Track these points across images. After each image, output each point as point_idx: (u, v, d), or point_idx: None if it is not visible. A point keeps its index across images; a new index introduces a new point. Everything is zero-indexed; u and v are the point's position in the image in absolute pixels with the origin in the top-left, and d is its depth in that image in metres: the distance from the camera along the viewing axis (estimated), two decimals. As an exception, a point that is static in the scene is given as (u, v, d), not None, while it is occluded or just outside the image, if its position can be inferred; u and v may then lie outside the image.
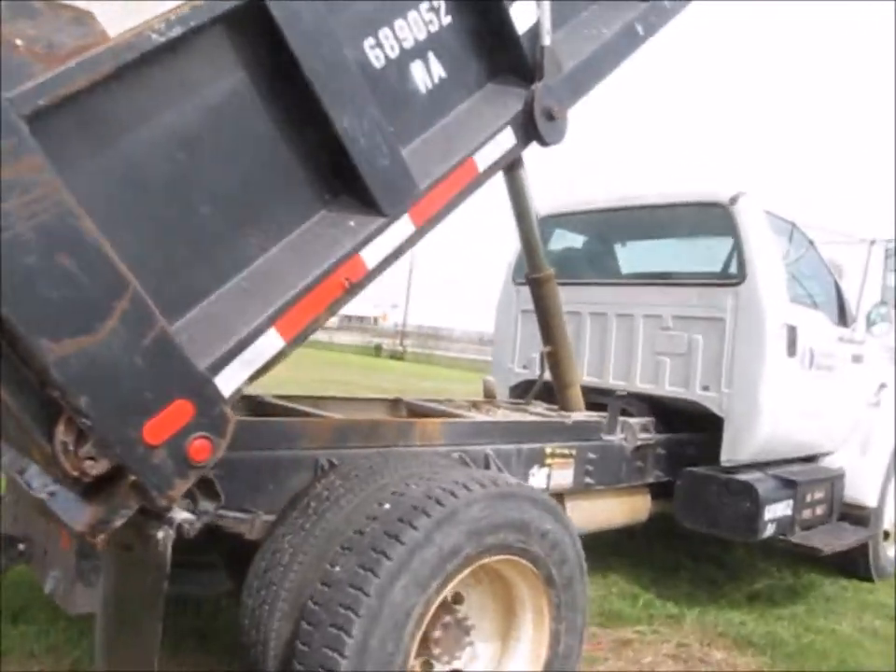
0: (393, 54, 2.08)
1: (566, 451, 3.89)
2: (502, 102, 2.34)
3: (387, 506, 2.33)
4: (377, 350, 36.88)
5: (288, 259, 1.89)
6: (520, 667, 2.68)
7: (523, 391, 5.23)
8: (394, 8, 2.09)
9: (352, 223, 1.98)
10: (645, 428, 4.39)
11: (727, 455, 4.35)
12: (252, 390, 2.49)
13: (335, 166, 1.94)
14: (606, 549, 5.17)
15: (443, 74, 2.22)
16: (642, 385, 4.77)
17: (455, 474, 2.50)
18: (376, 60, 2.05)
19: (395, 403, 4.32)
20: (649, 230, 5.17)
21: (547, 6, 2.38)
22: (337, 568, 2.21)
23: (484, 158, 2.26)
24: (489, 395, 4.89)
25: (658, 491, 4.61)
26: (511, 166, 4.11)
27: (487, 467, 3.45)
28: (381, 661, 2.13)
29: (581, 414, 4.35)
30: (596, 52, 2.62)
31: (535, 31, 2.36)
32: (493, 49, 2.33)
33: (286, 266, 1.88)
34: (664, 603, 4.43)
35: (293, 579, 2.35)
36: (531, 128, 2.36)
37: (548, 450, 3.79)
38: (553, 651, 2.67)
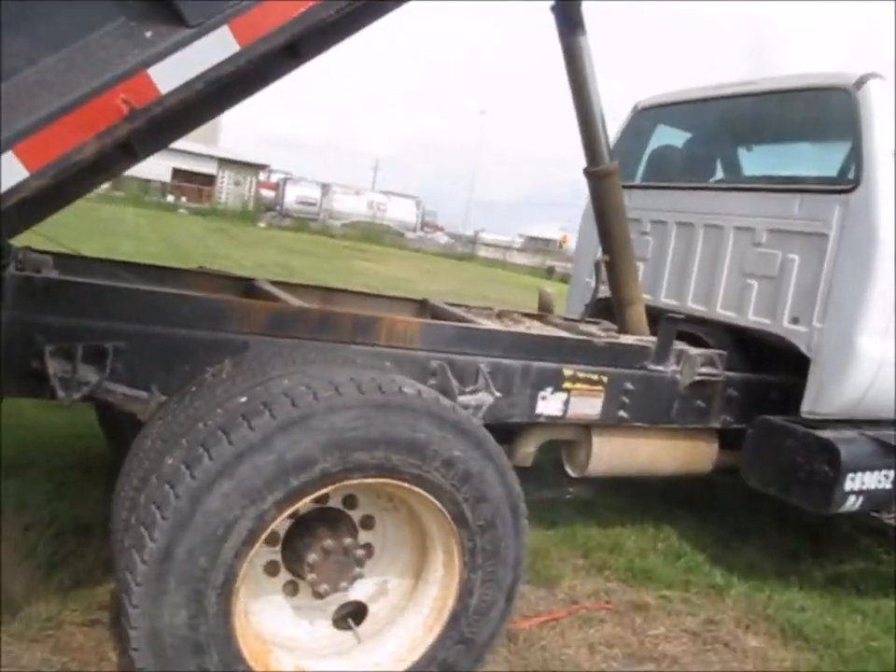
0: None
1: (592, 376, 3.28)
2: None
3: (243, 399, 1.96)
4: (549, 272, 36.08)
5: (61, 73, 1.51)
6: (422, 615, 2.26)
7: (601, 309, 4.58)
8: None
9: (148, 34, 1.55)
10: (709, 362, 3.61)
11: (809, 406, 3.50)
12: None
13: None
14: (670, 498, 4.51)
15: None
16: (723, 312, 3.96)
17: (340, 373, 2.05)
18: None
19: (421, 305, 3.90)
20: (755, 125, 4.18)
21: None
22: (168, 461, 1.89)
23: None
24: (545, 308, 4.28)
25: (732, 440, 3.85)
26: (567, 29, 3.41)
27: (475, 381, 2.96)
28: (188, 574, 1.81)
29: (631, 338, 3.68)
30: None
31: None
32: None
33: (55, 81, 1.50)
34: (711, 569, 3.75)
35: (146, 467, 2.07)
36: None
37: (567, 371, 3.20)
38: (461, 604, 2.22)
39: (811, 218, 3.51)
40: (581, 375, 3.25)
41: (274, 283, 3.56)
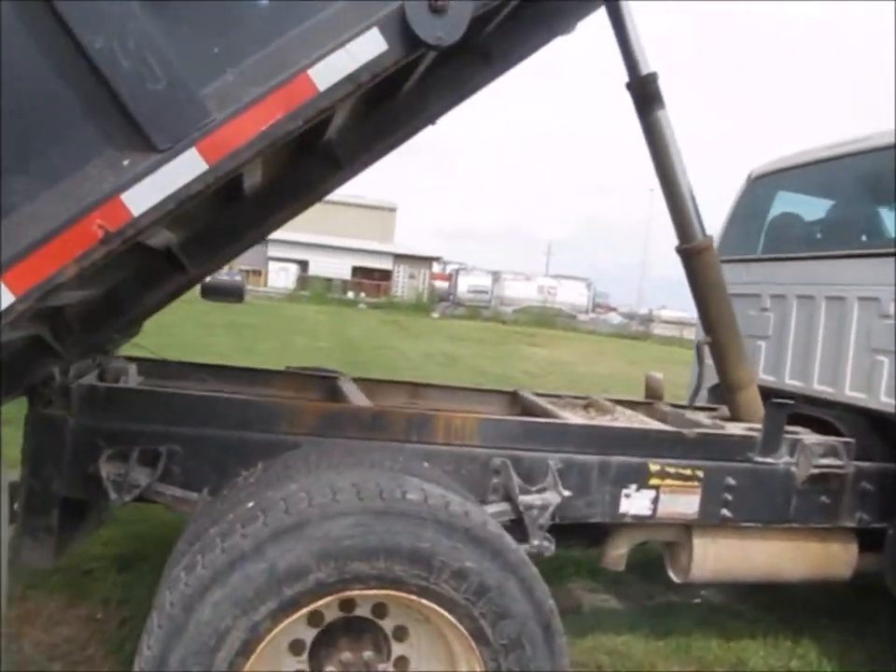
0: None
1: (685, 471, 2.97)
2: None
3: (250, 504, 1.96)
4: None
5: (53, 205, 1.67)
6: (449, 740, 2.07)
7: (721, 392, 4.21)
8: None
9: (126, 162, 1.67)
10: (831, 451, 3.15)
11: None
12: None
13: (105, 97, 1.66)
14: (814, 606, 3.91)
15: None
16: (852, 394, 3.47)
17: (346, 477, 1.99)
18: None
19: (512, 397, 3.78)
20: (877, 182, 3.71)
21: None
22: (176, 568, 1.92)
23: (327, 71, 1.72)
24: (653, 394, 4.00)
25: (875, 541, 3.30)
26: (644, 107, 3.31)
27: (543, 478, 2.78)
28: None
29: (738, 427, 3.31)
30: None
31: None
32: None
33: (46, 213, 1.66)
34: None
35: (172, 570, 2.12)
36: (409, 24, 1.74)
37: (653, 466, 2.93)
38: (487, 731, 2.01)
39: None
40: (670, 470, 2.95)
41: (358, 380, 3.63)
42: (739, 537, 3.14)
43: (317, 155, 2.77)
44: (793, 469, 3.11)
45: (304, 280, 40.49)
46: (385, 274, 43.82)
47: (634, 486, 2.92)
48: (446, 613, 1.95)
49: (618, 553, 3.10)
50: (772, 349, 3.96)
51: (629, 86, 3.37)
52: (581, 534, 3.12)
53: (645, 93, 3.32)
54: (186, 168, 1.66)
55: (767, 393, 3.77)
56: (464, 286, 42.95)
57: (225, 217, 2.68)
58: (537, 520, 2.69)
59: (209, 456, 2.55)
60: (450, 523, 1.95)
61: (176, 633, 1.78)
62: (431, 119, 3.77)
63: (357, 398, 3.10)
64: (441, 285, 44.06)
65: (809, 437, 3.20)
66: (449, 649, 2.15)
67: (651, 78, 3.31)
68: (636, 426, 3.16)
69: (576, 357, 20.04)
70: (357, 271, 42.90)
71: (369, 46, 1.73)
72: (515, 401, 3.72)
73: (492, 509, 2.68)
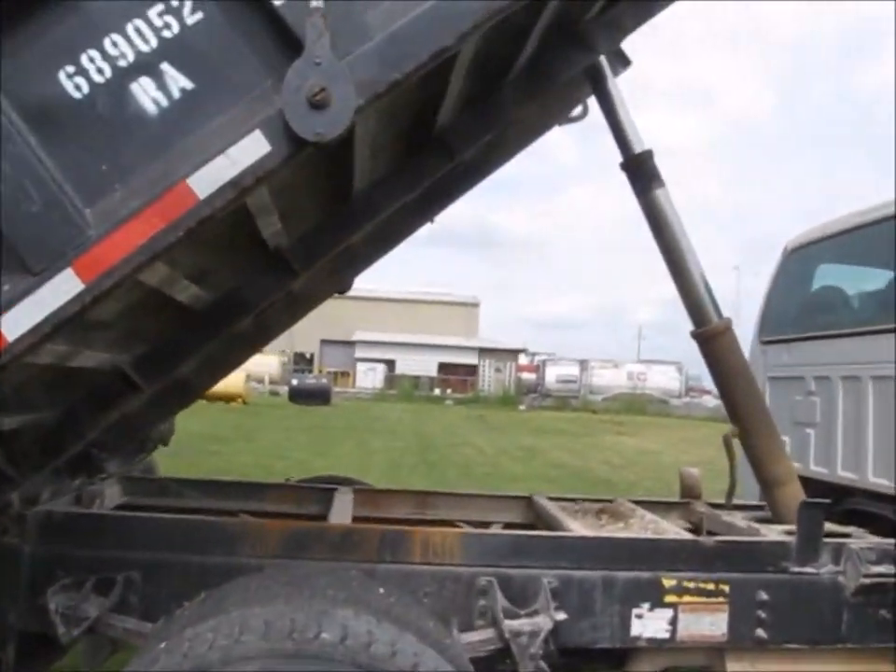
0: (101, 78, 1.70)
1: (707, 585, 2.60)
2: (258, 97, 1.71)
3: (162, 645, 1.79)
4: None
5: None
6: None
7: None
8: (105, 25, 1.71)
9: (6, 287, 1.63)
10: (885, 557, 2.70)
11: None
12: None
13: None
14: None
15: (189, 85, 1.73)
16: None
17: (262, 613, 1.79)
18: (74, 90, 1.69)
19: (527, 502, 3.50)
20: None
21: None
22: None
23: (208, 178, 1.66)
24: (689, 492, 3.62)
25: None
26: (642, 186, 3.16)
27: (536, 599, 2.48)
28: None
29: (775, 530, 2.91)
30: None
31: None
32: (254, 34, 1.74)
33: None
34: None
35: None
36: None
37: (668, 582, 2.58)
38: None
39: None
40: (689, 586, 2.59)
41: (360, 490, 3.46)
42: (783, 661, 2.70)
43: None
44: (841, 578, 2.68)
45: (392, 379, 41.04)
46: (471, 369, 43.89)
47: (647, 605, 2.57)
48: None
49: (639, 682, 2.71)
50: (821, 438, 3.54)
51: (624, 165, 3.23)
52: (597, 657, 2.76)
53: (641, 172, 3.17)
54: (61, 289, 1.60)
55: (821, 488, 3.37)
56: (552, 376, 42.40)
57: (175, 332, 2.65)
58: (527, 648, 2.38)
59: (168, 584, 2.40)
60: (370, 666, 1.71)
61: None
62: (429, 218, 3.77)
63: (341, 513, 2.92)
64: (529, 376, 43.66)
65: (858, 540, 2.77)
66: None
67: (647, 156, 3.17)
68: (644, 535, 2.82)
69: (663, 445, 19.12)
70: (443, 367, 43.22)
71: (251, 149, 1.66)
72: (530, 507, 3.43)
73: (475, 636, 2.42)
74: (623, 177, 3.25)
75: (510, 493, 3.71)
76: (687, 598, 2.59)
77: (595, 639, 2.55)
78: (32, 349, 1.63)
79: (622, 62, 3.77)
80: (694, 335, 3.21)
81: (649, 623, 2.57)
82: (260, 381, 38.39)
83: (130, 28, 1.70)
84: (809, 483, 3.60)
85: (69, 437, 2.48)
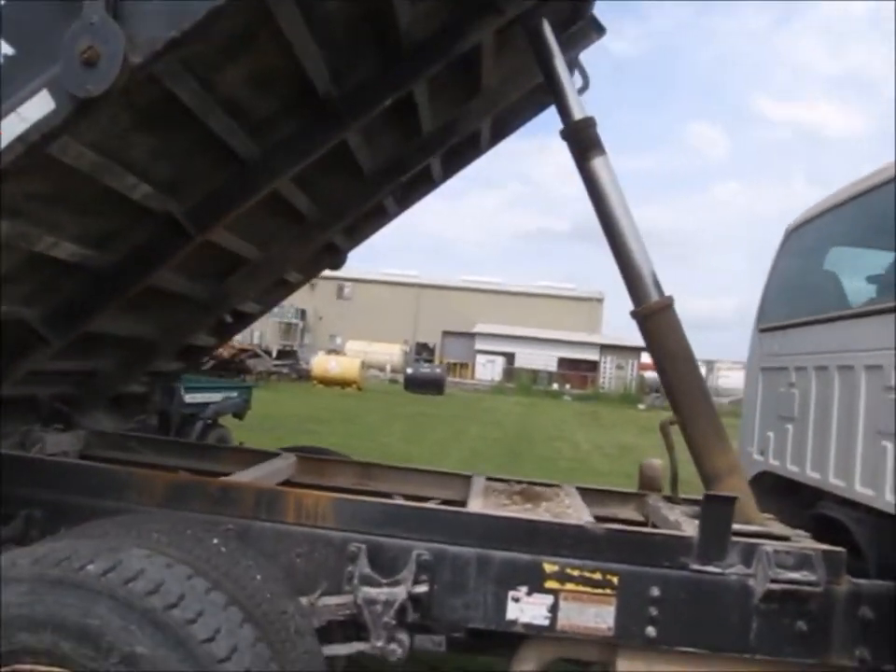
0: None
1: (593, 575, 2.47)
2: (48, 58, 1.79)
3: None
4: None
5: None
6: None
7: (769, 488, 3.51)
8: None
9: None
10: (803, 563, 2.43)
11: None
12: None
13: None
14: None
15: (12, 50, 1.83)
16: (862, 491, 2.69)
17: (66, 544, 1.90)
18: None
19: (466, 481, 3.43)
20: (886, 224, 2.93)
21: None
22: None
23: (2, 135, 1.73)
24: (648, 485, 3.41)
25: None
26: (581, 153, 3.00)
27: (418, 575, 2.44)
28: None
29: (690, 524, 2.70)
30: None
31: None
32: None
33: None
34: None
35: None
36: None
37: (549, 567, 2.47)
38: None
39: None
40: (573, 573, 2.46)
41: (307, 458, 3.54)
42: (683, 666, 2.50)
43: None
44: (751, 582, 2.45)
45: (510, 372, 41.00)
46: (592, 365, 43.00)
47: (525, 589, 2.47)
48: (117, 704, 1.74)
49: (526, 669, 2.60)
50: (797, 433, 3.23)
51: (563, 133, 3.08)
52: (479, 642, 2.69)
53: (581, 140, 3.01)
54: None
55: (794, 486, 3.10)
56: (678, 376, 40.60)
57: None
58: (380, 617, 2.37)
59: (65, 522, 2.57)
60: (127, 601, 1.77)
61: None
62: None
63: (266, 475, 3.02)
64: (652, 375, 42.11)
65: (775, 543, 2.51)
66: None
67: (587, 123, 3.00)
68: (524, 516, 2.69)
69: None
70: (563, 362, 42.65)
71: (38, 107, 1.76)
72: (467, 485, 3.36)
73: (333, 601, 2.43)
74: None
75: (451, 470, 3.64)
76: (570, 586, 2.46)
77: (468, 618, 2.49)
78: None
79: (596, 28, 3.62)
80: (633, 314, 3.02)
81: (526, 608, 2.47)
82: (382, 369, 39.58)
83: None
84: (790, 484, 3.32)
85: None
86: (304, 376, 30.47)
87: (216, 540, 2.24)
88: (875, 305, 2.77)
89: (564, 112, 3.03)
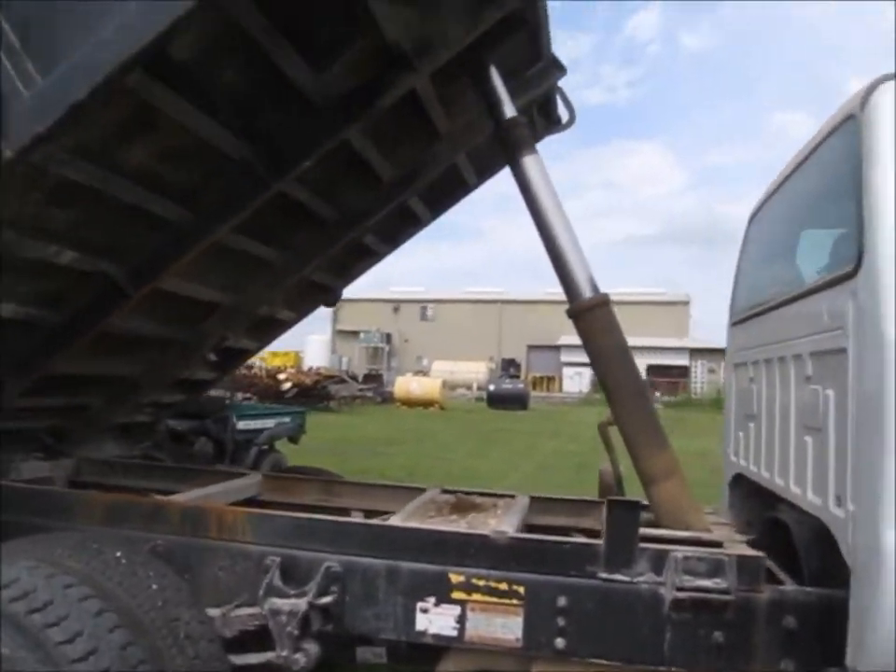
0: None
1: (499, 585, 2.45)
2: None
3: None
4: None
5: None
6: None
7: (744, 491, 3.37)
8: None
9: None
10: (714, 569, 2.31)
11: (851, 655, 1.93)
12: None
13: None
14: None
15: None
16: (794, 490, 2.53)
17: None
18: None
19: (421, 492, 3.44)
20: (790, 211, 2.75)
21: None
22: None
23: None
24: (606, 492, 3.32)
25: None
26: (511, 151, 3.00)
27: (326, 586, 2.49)
28: None
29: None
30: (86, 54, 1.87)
31: None
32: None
33: None
34: None
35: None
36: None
37: (455, 577, 2.47)
38: None
39: (824, 328, 2.15)
40: (478, 583, 2.46)
41: (274, 477, 3.66)
42: (598, 677, 2.42)
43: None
44: (662, 590, 2.36)
45: (597, 383, 40.18)
46: (683, 371, 41.57)
47: (432, 600, 2.47)
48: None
49: (442, 681, 2.59)
50: (755, 431, 3.08)
51: (494, 132, 3.08)
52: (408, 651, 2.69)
53: (510, 139, 3.01)
54: None
55: (760, 489, 2.98)
56: (778, 379, 38.71)
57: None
58: (284, 627, 2.43)
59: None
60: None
61: None
62: None
63: (217, 492, 3.16)
64: (749, 380, 40.35)
65: (688, 549, 2.40)
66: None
67: (515, 122, 3.00)
68: (430, 527, 2.68)
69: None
70: (651, 369, 41.40)
71: None
72: (434, 496, 3.37)
73: (244, 612, 2.51)
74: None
75: (412, 485, 3.65)
76: (477, 597, 2.46)
77: (379, 629, 2.52)
78: None
79: (558, 67, 3.59)
80: (567, 312, 2.97)
81: (434, 619, 2.48)
82: (469, 387, 39.65)
83: None
84: (758, 487, 3.17)
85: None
86: (388, 399, 30.94)
87: (118, 553, 2.38)
88: (798, 290, 2.61)
89: (496, 111, 3.01)
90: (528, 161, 2.97)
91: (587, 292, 2.87)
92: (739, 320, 3.45)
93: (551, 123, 4.14)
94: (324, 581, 2.49)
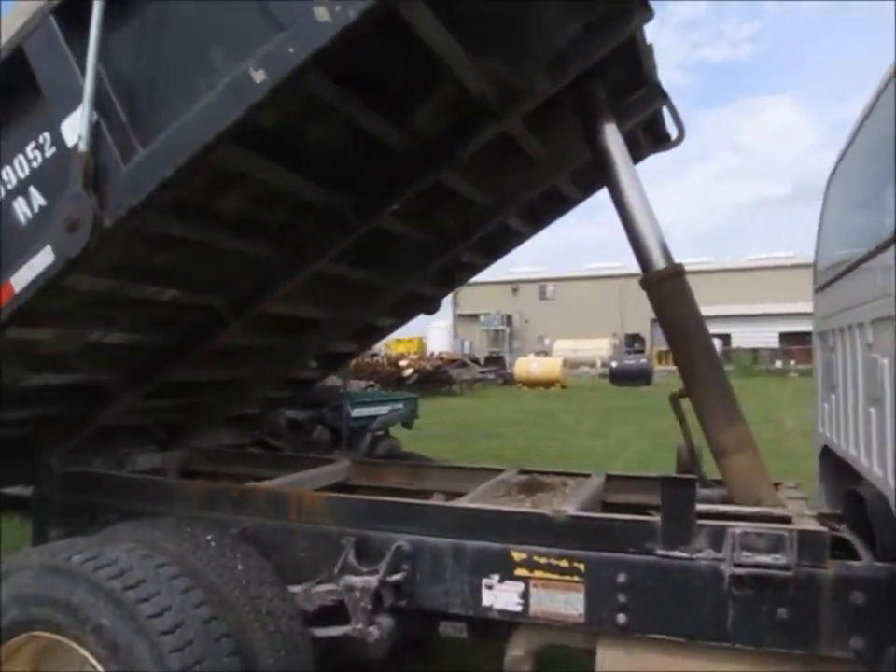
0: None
1: (560, 562, 2.52)
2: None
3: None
4: None
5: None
6: None
7: (832, 465, 3.27)
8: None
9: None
10: (775, 545, 2.27)
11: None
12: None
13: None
14: None
15: (43, 202, 2.28)
16: (864, 461, 2.42)
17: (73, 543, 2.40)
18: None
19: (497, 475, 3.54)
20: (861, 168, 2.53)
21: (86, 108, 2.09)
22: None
23: (22, 280, 2.26)
24: (684, 469, 3.27)
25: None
26: (587, 120, 3.01)
27: (397, 564, 2.66)
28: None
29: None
30: (178, 130, 2.05)
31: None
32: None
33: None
34: None
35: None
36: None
37: (517, 555, 2.57)
38: None
39: (883, 293, 2.04)
40: (540, 561, 2.54)
41: (359, 462, 3.86)
42: (668, 654, 2.44)
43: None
44: (722, 567, 2.34)
45: (728, 354, 38.49)
46: (822, 338, 38.89)
47: (497, 577, 2.58)
48: (92, 660, 2.18)
49: (514, 654, 2.68)
50: (837, 403, 2.95)
51: (567, 90, 3.03)
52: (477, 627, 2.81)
53: (586, 106, 3.01)
54: None
55: (840, 461, 2.89)
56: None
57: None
58: (358, 602, 2.61)
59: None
60: (96, 583, 2.20)
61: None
62: None
63: (305, 479, 3.42)
64: None
65: (748, 524, 2.37)
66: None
67: (594, 89, 2.99)
68: (491, 506, 2.76)
69: None
70: (785, 337, 39.12)
71: (43, 259, 2.23)
72: (511, 477, 3.46)
73: (323, 588, 2.70)
74: None
75: (492, 466, 3.74)
76: (539, 573, 2.54)
77: (448, 605, 2.65)
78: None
79: (661, 94, 3.53)
80: (641, 281, 2.96)
81: (500, 595, 2.58)
82: (592, 364, 39.12)
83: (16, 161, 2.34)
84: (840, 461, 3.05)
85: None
86: (510, 381, 31.08)
87: (208, 537, 2.64)
88: (861, 255, 2.47)
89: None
90: (606, 129, 2.96)
91: (660, 263, 2.85)
92: (821, 287, 3.30)
93: (658, 141, 3.98)
94: (394, 560, 2.65)
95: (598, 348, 40.50)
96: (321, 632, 2.68)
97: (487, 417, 18.32)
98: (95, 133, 2.12)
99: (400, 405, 10.41)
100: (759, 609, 2.30)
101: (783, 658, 2.31)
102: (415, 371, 25.05)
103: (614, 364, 29.97)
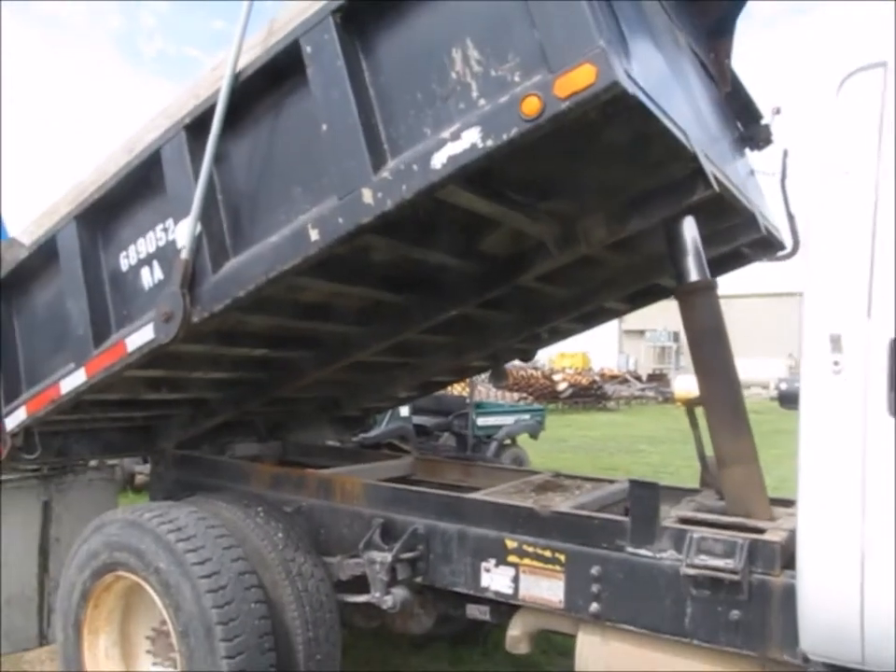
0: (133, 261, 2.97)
1: (544, 552, 2.84)
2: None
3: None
4: None
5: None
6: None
7: None
8: (139, 230, 2.94)
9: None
10: (734, 551, 2.43)
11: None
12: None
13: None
14: None
15: (161, 276, 2.86)
16: None
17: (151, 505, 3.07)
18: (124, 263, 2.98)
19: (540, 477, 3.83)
20: None
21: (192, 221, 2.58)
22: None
23: (134, 343, 2.86)
24: (708, 480, 3.40)
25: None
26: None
27: (413, 544, 3.09)
28: (62, 609, 3.15)
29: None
30: (251, 257, 2.54)
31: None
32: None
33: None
34: None
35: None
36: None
37: (510, 543, 2.91)
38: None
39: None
40: (528, 549, 2.86)
41: (423, 459, 4.31)
42: (638, 645, 2.67)
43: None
44: (679, 565, 2.55)
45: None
46: None
47: (492, 561, 2.93)
48: (157, 598, 2.80)
49: (513, 634, 3.00)
50: None
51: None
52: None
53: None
54: (77, 378, 3.10)
55: None
56: None
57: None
58: (377, 574, 3.05)
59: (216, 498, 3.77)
60: (157, 534, 2.83)
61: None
62: None
63: (372, 469, 3.93)
64: None
65: (709, 530, 2.54)
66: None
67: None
68: (490, 499, 3.08)
69: None
70: None
71: (146, 334, 2.84)
72: (543, 481, 3.76)
73: (352, 561, 3.18)
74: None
75: (533, 469, 4.02)
76: (527, 561, 2.86)
77: (454, 583, 3.03)
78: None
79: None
80: (674, 291, 3.11)
81: (495, 578, 2.93)
82: (765, 386, 36.82)
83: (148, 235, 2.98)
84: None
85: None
86: (670, 399, 30.11)
87: (259, 509, 3.22)
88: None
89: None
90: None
91: (692, 275, 2.96)
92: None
93: (768, 251, 3.92)
94: (410, 540, 3.06)
95: (772, 368, 37.98)
96: (350, 598, 3.16)
97: (634, 433, 18.05)
98: (197, 242, 2.62)
99: (527, 416, 10.72)
100: (714, 610, 2.48)
101: (739, 658, 2.46)
102: (570, 386, 25.11)
103: (784, 386, 27.96)
